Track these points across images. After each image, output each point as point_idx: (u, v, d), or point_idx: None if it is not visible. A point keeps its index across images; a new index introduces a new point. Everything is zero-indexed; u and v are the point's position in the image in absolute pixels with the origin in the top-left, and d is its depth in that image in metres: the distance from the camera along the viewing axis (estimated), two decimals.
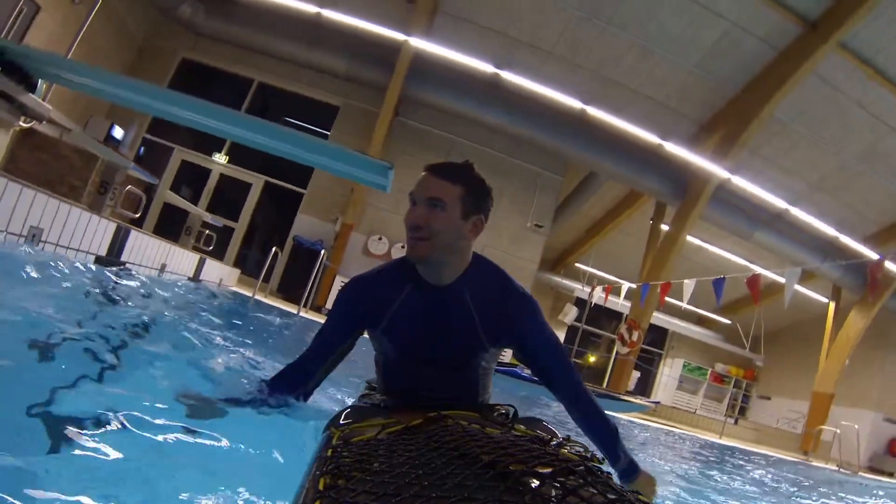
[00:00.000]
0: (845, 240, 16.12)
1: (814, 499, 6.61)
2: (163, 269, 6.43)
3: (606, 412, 2.07)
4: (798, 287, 15.91)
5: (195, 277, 7.80)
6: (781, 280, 10.06)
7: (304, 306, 10.67)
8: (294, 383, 2.11)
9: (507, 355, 8.10)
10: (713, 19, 12.08)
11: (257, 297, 9.66)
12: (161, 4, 13.49)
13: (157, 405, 1.88)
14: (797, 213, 15.64)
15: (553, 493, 0.92)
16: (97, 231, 4.64)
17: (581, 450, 1.42)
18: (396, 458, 1.17)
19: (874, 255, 15.06)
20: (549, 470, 1.00)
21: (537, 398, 8.25)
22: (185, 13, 13.59)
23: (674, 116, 14.55)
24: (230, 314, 6.55)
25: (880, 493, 8.79)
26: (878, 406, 18.41)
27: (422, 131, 15.08)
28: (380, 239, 14.71)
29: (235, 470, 1.70)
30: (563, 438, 1.45)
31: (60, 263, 3.97)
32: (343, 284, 2.15)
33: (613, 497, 0.93)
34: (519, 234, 15.43)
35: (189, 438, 1.74)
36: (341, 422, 1.66)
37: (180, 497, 1.45)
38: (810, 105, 13.40)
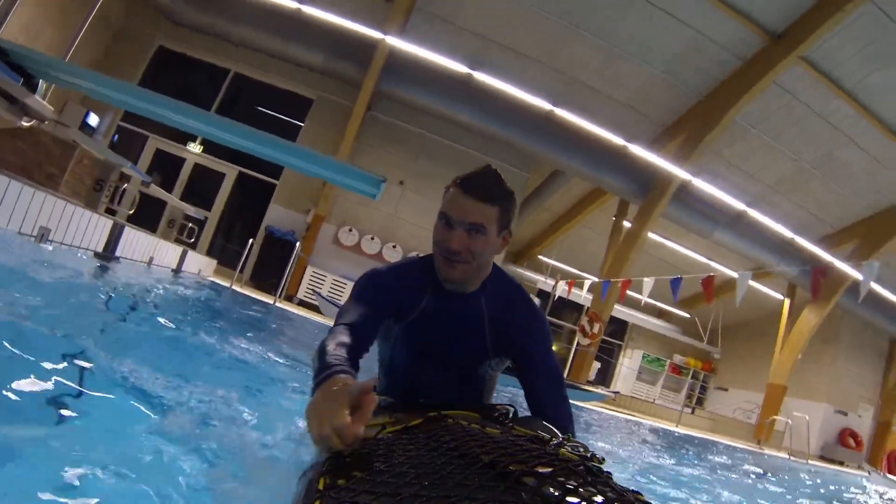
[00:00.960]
0: (801, 241, 16.67)
1: (767, 485, 7.06)
2: (150, 261, 6.64)
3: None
4: (755, 284, 16.54)
5: (178, 269, 8.01)
6: (737, 276, 10.58)
7: (279, 296, 10.91)
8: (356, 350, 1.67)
9: None
10: (680, 28, 12.49)
11: (233, 287, 9.86)
12: None
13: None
14: (755, 214, 16.12)
15: (553, 493, 0.91)
16: (96, 229, 4.86)
17: (581, 450, 1.40)
18: (396, 457, 1.17)
19: (827, 258, 15.83)
20: (548, 470, 1.00)
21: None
22: (165, 0, 13.58)
23: (638, 119, 15.00)
24: (213, 306, 6.74)
25: (817, 480, 9.37)
26: (829, 398, 19.39)
27: (393, 125, 15.20)
28: (350, 230, 14.86)
29: (235, 466, 1.76)
30: (563, 438, 1.44)
31: (65, 260, 4.21)
32: (363, 275, 2.03)
33: (613, 497, 0.93)
34: None
35: (183, 424, 1.81)
36: None
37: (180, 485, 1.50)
38: (771, 113, 13.95)
